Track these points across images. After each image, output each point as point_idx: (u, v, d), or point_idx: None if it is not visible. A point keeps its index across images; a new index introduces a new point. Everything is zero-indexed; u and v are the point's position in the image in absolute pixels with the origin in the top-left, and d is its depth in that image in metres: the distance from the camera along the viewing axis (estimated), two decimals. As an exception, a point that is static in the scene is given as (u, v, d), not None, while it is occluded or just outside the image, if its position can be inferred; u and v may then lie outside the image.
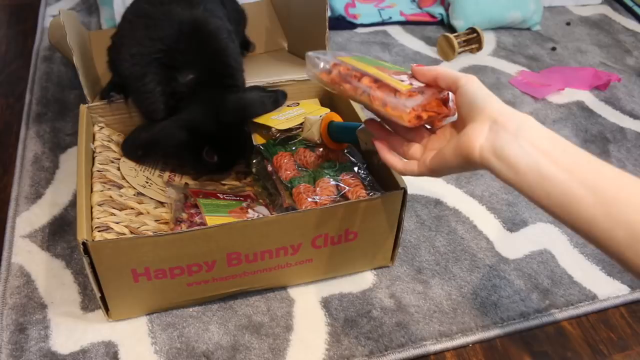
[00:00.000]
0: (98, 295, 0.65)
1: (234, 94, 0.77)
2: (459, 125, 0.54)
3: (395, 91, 0.56)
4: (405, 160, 0.58)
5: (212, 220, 0.70)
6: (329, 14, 0.97)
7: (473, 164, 0.51)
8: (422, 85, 0.57)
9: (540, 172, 0.46)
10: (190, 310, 0.72)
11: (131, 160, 0.80)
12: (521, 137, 0.47)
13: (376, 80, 0.58)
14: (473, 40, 1.22)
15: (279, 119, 0.80)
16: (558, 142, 0.47)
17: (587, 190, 0.44)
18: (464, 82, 0.53)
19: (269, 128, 0.79)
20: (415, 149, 0.58)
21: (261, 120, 0.80)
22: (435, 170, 0.55)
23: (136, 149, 0.78)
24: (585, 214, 0.45)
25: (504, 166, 0.48)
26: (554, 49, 1.26)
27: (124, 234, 0.68)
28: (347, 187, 0.71)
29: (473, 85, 0.52)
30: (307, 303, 0.73)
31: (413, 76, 0.58)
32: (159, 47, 0.74)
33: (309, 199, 0.69)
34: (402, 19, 1.32)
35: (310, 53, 0.63)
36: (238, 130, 0.79)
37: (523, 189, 0.47)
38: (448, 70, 0.55)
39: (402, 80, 0.57)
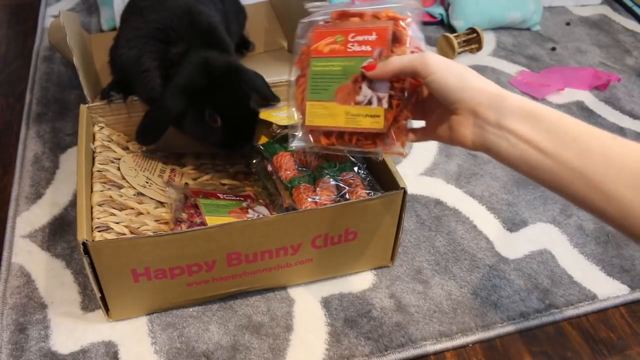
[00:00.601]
0: (98, 295, 0.65)
1: (224, 53, 0.78)
2: (442, 105, 0.53)
3: (376, 135, 0.58)
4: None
5: (212, 220, 0.70)
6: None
7: (467, 148, 0.52)
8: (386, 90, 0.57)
9: (528, 163, 0.47)
10: (190, 310, 0.72)
11: (147, 146, 0.81)
12: (504, 128, 0.48)
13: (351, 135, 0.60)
14: (473, 40, 1.22)
15: (280, 116, 0.80)
16: (540, 123, 0.47)
17: (575, 173, 0.45)
18: (423, 72, 0.51)
19: (269, 125, 0.79)
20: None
21: (262, 116, 0.80)
22: (434, 140, 0.57)
23: (145, 133, 0.77)
24: (577, 194, 0.45)
25: (497, 158, 0.49)
26: (553, 49, 1.26)
27: (124, 234, 0.68)
28: (347, 187, 0.71)
29: (435, 76, 0.50)
30: (307, 303, 0.73)
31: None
32: (154, 27, 0.77)
33: (309, 199, 0.69)
34: (402, 19, 1.32)
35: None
36: (237, 95, 0.77)
37: (522, 174, 0.49)
38: (400, 64, 0.53)
39: (370, 102, 0.57)
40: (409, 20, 0.58)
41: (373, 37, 0.58)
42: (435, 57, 0.51)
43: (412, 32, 0.58)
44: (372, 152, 0.60)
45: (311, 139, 0.62)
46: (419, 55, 0.52)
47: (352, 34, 0.59)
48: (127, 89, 0.82)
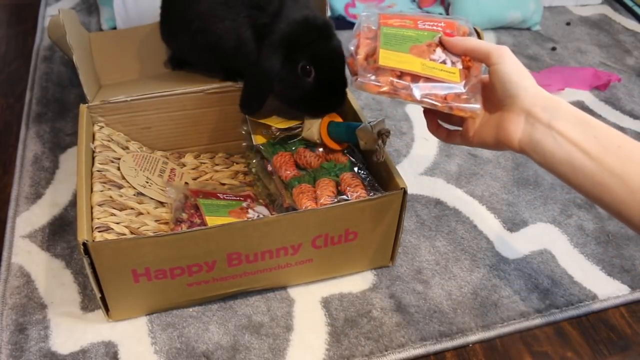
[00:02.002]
0: (98, 295, 0.65)
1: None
2: (494, 100, 0.56)
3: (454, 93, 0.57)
4: (449, 129, 0.62)
5: (212, 220, 0.70)
6: (329, 14, 0.96)
7: (511, 150, 0.54)
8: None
9: (572, 164, 0.49)
10: (190, 310, 0.72)
11: (251, 115, 0.80)
12: (554, 128, 0.50)
13: (427, 79, 0.58)
14: (473, 40, 1.22)
15: (279, 118, 0.80)
16: (589, 128, 0.49)
17: (616, 178, 0.47)
18: (495, 60, 0.54)
19: (268, 127, 0.79)
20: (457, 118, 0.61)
21: (261, 119, 0.80)
22: (475, 146, 0.59)
23: (249, 102, 0.77)
24: (615, 200, 0.47)
25: (541, 158, 0.51)
26: (554, 49, 1.26)
27: (124, 234, 0.67)
28: (347, 187, 0.71)
29: (505, 66, 0.53)
30: (307, 303, 0.73)
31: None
32: None
33: (309, 199, 0.69)
34: (402, 19, 1.32)
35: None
36: (333, 49, 0.74)
37: (559, 176, 0.51)
38: (478, 43, 0.56)
39: (444, 62, 0.58)
40: (470, 30, 0.62)
41: (442, 24, 0.62)
42: (510, 53, 0.55)
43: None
44: (444, 105, 0.57)
45: (380, 78, 0.58)
46: (497, 45, 0.55)
47: (421, 20, 0.62)
48: (182, 64, 0.88)
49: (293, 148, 0.79)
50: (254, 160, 0.82)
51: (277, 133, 0.80)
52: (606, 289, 0.77)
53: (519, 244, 0.83)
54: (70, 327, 0.69)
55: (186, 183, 0.82)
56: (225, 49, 0.78)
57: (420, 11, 0.66)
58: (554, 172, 0.51)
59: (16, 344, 0.67)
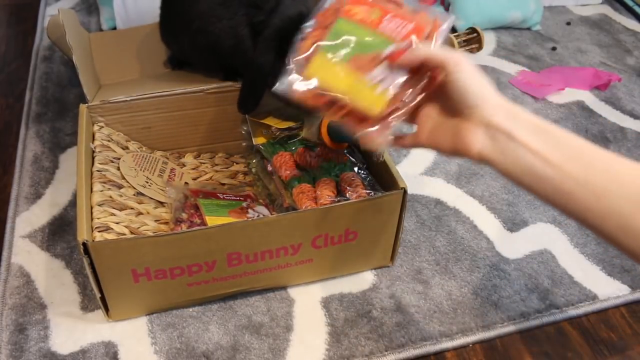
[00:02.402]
0: (98, 295, 0.65)
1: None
2: (450, 108, 0.53)
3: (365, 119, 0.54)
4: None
5: (212, 220, 0.70)
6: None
7: (469, 159, 0.52)
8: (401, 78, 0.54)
9: (535, 173, 0.48)
10: (190, 310, 0.72)
11: (250, 114, 0.80)
12: (515, 138, 0.49)
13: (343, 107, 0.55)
14: (473, 40, 1.22)
15: (279, 118, 0.80)
16: (550, 137, 0.49)
17: (579, 185, 0.46)
18: (452, 69, 0.51)
19: (268, 127, 0.79)
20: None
21: (261, 119, 0.80)
22: (428, 148, 0.57)
23: (245, 100, 0.76)
24: (579, 207, 0.47)
25: (502, 168, 0.50)
26: (554, 48, 1.26)
27: (124, 234, 0.67)
28: (347, 187, 0.71)
29: (462, 75, 0.51)
30: (307, 303, 0.73)
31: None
32: None
33: (309, 199, 0.69)
34: (402, 18, 1.32)
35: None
36: None
37: (523, 186, 0.50)
38: (432, 52, 0.52)
39: (377, 83, 0.54)
40: (444, 27, 0.57)
41: (410, 26, 0.56)
42: (465, 58, 0.52)
43: (439, 40, 0.57)
44: (351, 132, 0.55)
45: (303, 89, 0.56)
46: (451, 53, 0.52)
47: (390, 15, 0.57)
48: (182, 64, 0.88)
49: (293, 148, 0.79)
50: (254, 160, 0.82)
51: (277, 133, 0.80)
52: (606, 289, 0.77)
53: (519, 244, 0.83)
54: (70, 327, 0.69)
55: (186, 183, 0.82)
56: (224, 49, 0.78)
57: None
58: (516, 181, 0.50)
59: (16, 344, 0.67)
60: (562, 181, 0.47)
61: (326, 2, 0.60)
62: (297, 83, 0.57)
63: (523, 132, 0.49)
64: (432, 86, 0.55)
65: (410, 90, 0.55)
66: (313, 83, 0.56)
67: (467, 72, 0.51)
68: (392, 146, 0.59)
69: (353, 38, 0.57)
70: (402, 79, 0.54)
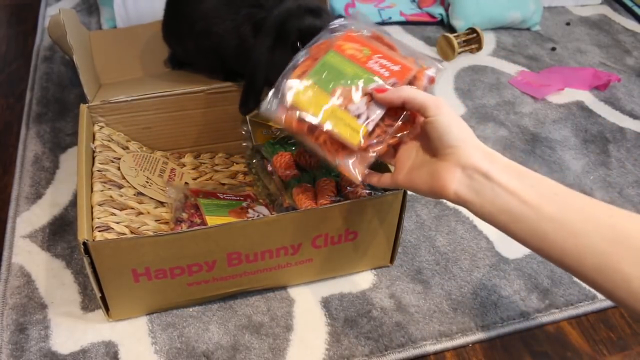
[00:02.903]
0: (98, 295, 0.65)
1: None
2: (428, 149, 0.56)
3: (344, 150, 0.56)
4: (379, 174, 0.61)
5: (212, 220, 0.70)
6: (329, 14, 0.96)
7: (445, 199, 0.53)
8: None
9: (511, 213, 0.49)
10: (190, 310, 0.72)
11: (250, 114, 0.80)
12: (492, 179, 0.50)
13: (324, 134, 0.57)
14: (473, 40, 1.22)
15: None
16: (526, 179, 0.50)
17: (555, 224, 0.47)
18: (432, 112, 0.53)
19: (269, 127, 0.79)
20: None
21: (261, 119, 0.80)
22: (404, 188, 0.59)
23: (245, 100, 0.77)
24: (556, 247, 0.47)
25: (478, 208, 0.51)
26: (553, 49, 1.26)
27: (124, 234, 0.68)
28: (347, 187, 0.71)
29: (443, 118, 0.53)
30: (307, 303, 0.73)
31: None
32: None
33: (309, 199, 0.69)
34: (402, 19, 1.32)
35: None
36: (320, 27, 0.72)
37: (498, 226, 0.51)
38: (413, 94, 0.54)
39: (358, 116, 0.56)
40: (431, 73, 0.60)
41: (396, 68, 0.58)
42: (445, 103, 0.54)
43: (425, 87, 0.59)
44: (329, 160, 0.57)
45: (285, 116, 0.59)
46: (434, 97, 0.54)
47: (379, 55, 0.60)
48: (182, 63, 0.89)
49: (293, 148, 0.79)
50: (254, 160, 0.82)
51: (277, 133, 0.80)
52: (606, 288, 0.77)
53: (519, 244, 0.82)
54: (71, 327, 0.69)
55: (186, 183, 0.82)
56: (227, 49, 0.78)
57: (397, 41, 0.63)
58: (492, 222, 0.51)
59: (16, 343, 0.67)
60: (538, 221, 0.48)
61: (323, 36, 0.62)
62: (282, 107, 0.59)
63: (500, 173, 0.50)
64: (411, 126, 0.58)
65: (391, 126, 0.57)
66: (297, 109, 0.58)
67: (448, 115, 0.53)
68: (368, 182, 0.61)
69: (340, 71, 0.59)
70: (382, 114, 0.56)
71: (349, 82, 0.58)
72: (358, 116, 0.56)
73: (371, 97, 0.57)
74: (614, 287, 0.45)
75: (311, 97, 0.58)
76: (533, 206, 0.48)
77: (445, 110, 0.53)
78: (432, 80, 0.60)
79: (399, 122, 0.57)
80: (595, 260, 0.45)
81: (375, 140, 0.56)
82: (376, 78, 0.58)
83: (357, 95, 0.57)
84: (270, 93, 0.60)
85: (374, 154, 0.57)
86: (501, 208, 0.49)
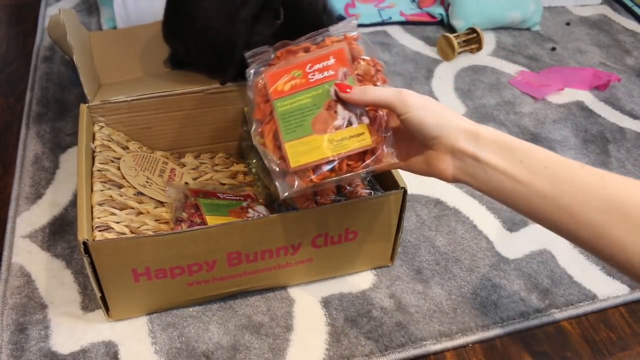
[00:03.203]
0: (98, 295, 0.65)
1: None
2: (415, 140, 0.56)
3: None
4: None
5: (212, 219, 0.70)
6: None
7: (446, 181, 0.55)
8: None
9: (505, 191, 0.50)
10: (190, 310, 0.72)
11: (230, 81, 0.80)
12: (481, 160, 0.51)
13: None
14: (473, 40, 1.22)
15: None
16: (514, 153, 0.50)
17: (548, 199, 0.48)
18: (401, 110, 0.53)
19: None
20: None
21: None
22: (410, 172, 0.59)
23: (227, 69, 0.77)
24: (552, 220, 0.48)
25: (476, 187, 0.52)
26: (553, 49, 1.26)
27: (124, 234, 0.68)
28: (347, 187, 0.71)
29: (415, 113, 0.53)
30: (307, 303, 0.73)
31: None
32: None
33: (309, 199, 0.69)
34: (402, 19, 1.32)
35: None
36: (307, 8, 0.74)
37: (498, 201, 0.52)
38: (378, 96, 0.55)
39: (350, 124, 0.57)
40: (356, 35, 0.59)
41: (332, 61, 0.58)
42: (412, 95, 0.53)
43: (366, 47, 0.59)
44: (366, 171, 0.58)
45: (299, 182, 0.58)
46: (396, 92, 0.54)
47: (309, 65, 0.59)
48: (182, 63, 0.89)
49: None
50: (254, 160, 0.82)
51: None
52: (606, 288, 0.77)
53: (519, 244, 0.83)
54: (71, 327, 0.69)
55: (186, 183, 0.82)
56: (222, 43, 0.77)
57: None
58: (492, 197, 0.52)
59: (16, 343, 0.67)
60: (532, 197, 0.48)
61: (253, 101, 0.61)
62: (289, 178, 0.58)
63: (487, 152, 0.50)
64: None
65: (380, 110, 0.57)
66: (304, 167, 0.57)
67: (418, 109, 0.53)
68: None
69: (299, 107, 0.58)
70: (363, 108, 0.57)
71: (315, 108, 0.58)
72: (350, 123, 0.57)
73: (342, 100, 0.57)
74: (612, 254, 0.45)
75: (304, 149, 0.57)
76: (524, 183, 0.48)
77: (413, 104, 0.53)
78: (356, 38, 0.60)
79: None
80: (590, 231, 0.46)
81: (379, 127, 0.57)
82: (328, 84, 0.58)
83: (332, 111, 0.57)
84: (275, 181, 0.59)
85: (384, 128, 0.57)
86: (495, 187, 0.50)
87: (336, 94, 0.57)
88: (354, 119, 0.57)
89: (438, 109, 0.53)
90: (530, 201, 0.48)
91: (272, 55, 0.62)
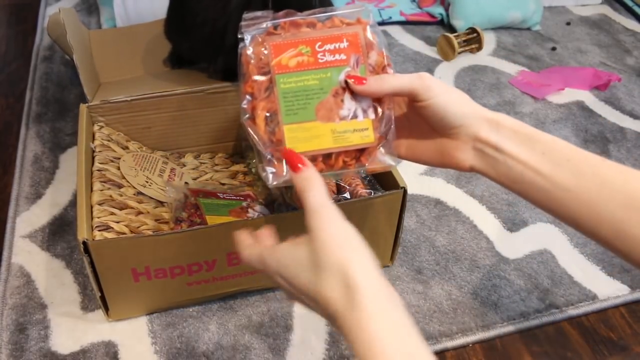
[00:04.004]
0: (98, 294, 0.65)
1: None
2: (430, 128, 0.53)
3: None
4: None
5: (212, 219, 0.70)
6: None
7: (460, 171, 0.54)
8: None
9: (526, 183, 0.49)
10: (190, 310, 0.72)
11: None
12: (503, 150, 0.50)
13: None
14: (473, 40, 1.22)
15: None
16: (536, 144, 0.49)
17: (570, 194, 0.47)
18: (424, 96, 0.50)
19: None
20: None
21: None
22: (411, 161, 0.58)
23: (217, 58, 0.77)
24: (572, 214, 0.48)
25: (495, 178, 0.51)
26: (554, 49, 1.26)
27: (124, 233, 0.68)
28: (346, 186, 0.71)
29: (438, 99, 0.50)
30: (307, 303, 0.73)
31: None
32: None
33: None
34: (402, 19, 1.32)
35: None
36: None
37: (516, 193, 0.51)
38: (399, 83, 0.51)
39: (355, 116, 0.53)
40: (372, 22, 0.55)
41: (345, 44, 0.53)
42: (435, 80, 0.51)
43: (378, 37, 0.55)
44: (358, 170, 0.55)
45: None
46: (417, 77, 0.51)
47: (319, 43, 0.53)
48: (181, 60, 0.90)
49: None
50: (254, 160, 0.82)
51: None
52: (606, 289, 0.77)
53: (519, 244, 0.83)
54: (71, 327, 0.69)
55: (186, 183, 0.82)
56: (217, 34, 0.77)
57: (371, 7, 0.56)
58: (510, 189, 0.51)
59: (16, 343, 0.67)
60: (553, 190, 0.47)
61: (245, 69, 0.54)
62: (282, 177, 0.53)
63: (509, 143, 0.49)
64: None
65: (387, 107, 0.54)
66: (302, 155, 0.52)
67: (441, 94, 0.50)
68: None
69: (304, 89, 0.53)
70: (370, 102, 0.54)
71: (321, 92, 0.53)
72: (355, 115, 0.53)
73: (352, 90, 0.53)
74: (631, 251, 0.45)
75: (304, 135, 0.53)
76: (546, 176, 0.48)
77: (437, 89, 0.50)
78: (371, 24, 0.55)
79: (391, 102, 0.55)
80: (611, 226, 0.45)
81: (383, 126, 0.54)
82: (338, 69, 0.53)
83: (338, 99, 0.53)
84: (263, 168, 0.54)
85: (392, 131, 0.54)
86: (516, 179, 0.49)
87: (346, 84, 0.53)
88: (359, 112, 0.53)
89: (459, 95, 0.51)
90: (550, 194, 0.48)
91: (269, 24, 0.54)
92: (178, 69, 0.93)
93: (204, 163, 0.88)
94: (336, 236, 0.43)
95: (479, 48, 1.22)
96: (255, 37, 0.54)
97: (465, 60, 1.21)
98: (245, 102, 0.53)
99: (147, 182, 0.77)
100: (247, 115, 0.53)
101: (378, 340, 0.38)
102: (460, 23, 1.26)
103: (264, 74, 0.53)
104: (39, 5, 1.33)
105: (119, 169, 0.76)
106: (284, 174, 0.53)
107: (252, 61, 0.53)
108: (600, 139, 1.03)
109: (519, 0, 1.29)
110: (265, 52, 0.53)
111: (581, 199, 0.46)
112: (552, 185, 0.47)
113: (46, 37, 1.20)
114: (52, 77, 1.10)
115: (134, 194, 0.74)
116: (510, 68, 1.19)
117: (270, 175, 0.53)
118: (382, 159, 0.55)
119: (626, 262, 0.48)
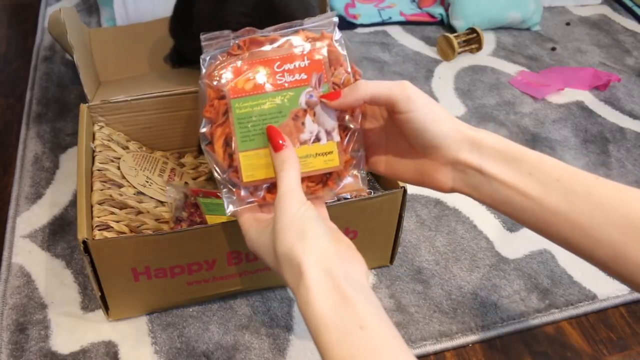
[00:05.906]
0: (98, 294, 0.65)
1: None
2: (401, 137, 0.50)
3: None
4: None
5: (212, 219, 0.70)
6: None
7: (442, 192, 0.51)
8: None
9: (513, 206, 0.46)
10: (190, 310, 0.72)
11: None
12: (486, 172, 0.46)
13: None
14: (473, 40, 1.22)
15: None
16: (521, 165, 0.46)
17: (561, 216, 0.44)
18: (403, 107, 0.46)
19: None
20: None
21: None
22: (391, 178, 0.55)
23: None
24: (564, 237, 0.44)
25: (478, 200, 0.48)
26: (553, 49, 1.26)
27: (124, 233, 0.68)
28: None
29: (418, 116, 0.46)
30: (307, 303, 0.73)
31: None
32: None
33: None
34: (402, 19, 1.32)
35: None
36: None
37: (502, 213, 0.48)
38: (376, 91, 0.47)
39: (318, 139, 0.50)
40: (338, 36, 0.51)
41: (305, 62, 0.50)
42: (416, 91, 0.47)
43: (345, 51, 0.51)
44: (325, 195, 0.52)
45: (249, 199, 0.51)
46: (399, 84, 0.47)
47: (278, 63, 0.50)
48: (182, 59, 0.90)
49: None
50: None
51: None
52: (606, 288, 0.77)
53: (519, 244, 0.83)
54: (71, 327, 0.69)
55: (186, 183, 0.82)
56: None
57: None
58: (497, 210, 0.47)
59: (16, 343, 0.67)
60: (543, 213, 0.44)
61: (204, 93, 0.53)
62: (238, 196, 0.51)
63: (492, 164, 0.46)
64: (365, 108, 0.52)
65: (352, 125, 0.51)
66: (256, 184, 0.51)
67: (421, 109, 0.46)
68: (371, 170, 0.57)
69: (260, 113, 0.50)
70: (335, 118, 0.50)
71: (279, 116, 0.50)
72: (318, 138, 0.50)
73: (313, 111, 0.50)
74: (631, 275, 0.42)
75: (261, 162, 0.50)
76: (535, 199, 0.44)
77: (418, 102, 0.46)
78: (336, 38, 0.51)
79: (358, 119, 0.51)
80: (608, 250, 0.42)
81: (352, 147, 0.51)
82: (298, 89, 0.50)
83: (299, 122, 0.50)
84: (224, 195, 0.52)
85: (360, 152, 0.52)
86: (501, 201, 0.46)
87: (307, 104, 0.50)
88: (322, 135, 0.50)
89: (440, 112, 0.47)
90: (540, 217, 0.44)
91: (231, 43, 0.52)
92: (178, 67, 0.93)
93: (203, 163, 0.88)
94: (291, 224, 0.44)
95: (479, 48, 1.23)
96: (216, 57, 0.52)
97: (465, 60, 1.21)
98: (203, 127, 0.52)
99: (147, 182, 0.77)
100: (207, 141, 0.52)
101: (322, 319, 0.41)
102: (460, 23, 1.26)
103: (221, 97, 0.51)
104: (39, 5, 1.33)
105: (119, 168, 0.76)
106: (244, 199, 0.51)
107: (211, 84, 0.51)
108: (599, 139, 1.03)
109: (519, 0, 1.29)
110: (222, 74, 0.51)
111: (575, 222, 0.43)
112: (542, 209, 0.44)
113: (46, 37, 1.20)
114: (52, 77, 1.10)
115: (134, 194, 0.74)
116: (510, 68, 1.19)
117: (229, 203, 0.51)
118: (352, 182, 0.51)
119: (628, 287, 0.45)
